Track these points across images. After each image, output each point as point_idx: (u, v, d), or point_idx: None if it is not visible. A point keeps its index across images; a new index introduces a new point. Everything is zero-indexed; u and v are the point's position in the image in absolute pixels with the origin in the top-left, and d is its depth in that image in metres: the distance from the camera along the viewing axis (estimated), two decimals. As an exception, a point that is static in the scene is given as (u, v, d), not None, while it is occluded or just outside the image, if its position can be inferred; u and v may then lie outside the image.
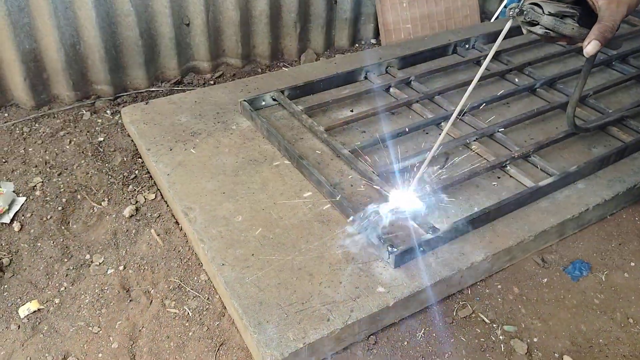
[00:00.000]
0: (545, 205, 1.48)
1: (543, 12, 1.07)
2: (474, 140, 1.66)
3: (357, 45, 2.63)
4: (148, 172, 1.71)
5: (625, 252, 1.48)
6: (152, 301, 1.34)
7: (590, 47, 1.09)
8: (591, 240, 1.51)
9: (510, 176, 1.57)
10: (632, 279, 1.41)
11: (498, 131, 1.70)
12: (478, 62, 2.11)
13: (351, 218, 1.35)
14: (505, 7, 2.77)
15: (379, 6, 2.49)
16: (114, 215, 1.56)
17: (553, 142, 1.66)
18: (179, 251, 1.46)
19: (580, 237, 1.52)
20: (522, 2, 1.09)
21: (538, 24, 1.09)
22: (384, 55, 2.16)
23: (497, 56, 2.14)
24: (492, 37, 2.26)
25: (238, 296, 1.22)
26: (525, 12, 1.08)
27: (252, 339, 1.15)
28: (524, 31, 1.13)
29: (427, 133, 1.74)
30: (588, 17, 1.10)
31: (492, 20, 2.77)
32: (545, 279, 1.40)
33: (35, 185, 1.65)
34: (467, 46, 2.22)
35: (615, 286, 1.39)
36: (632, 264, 1.45)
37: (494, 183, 1.54)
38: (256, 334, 1.14)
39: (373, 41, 2.65)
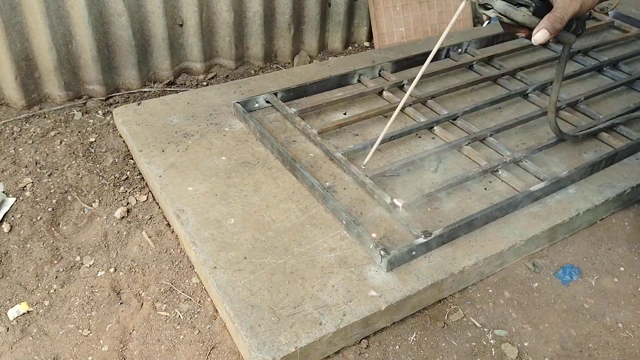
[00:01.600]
0: (537, 210, 1.49)
1: None
2: (466, 145, 1.67)
3: (350, 48, 2.63)
4: (140, 174, 1.70)
5: (615, 257, 1.50)
6: (142, 304, 1.33)
7: (538, 35, 1.11)
8: (581, 245, 1.53)
9: (502, 180, 1.58)
10: (621, 283, 1.43)
11: (490, 136, 1.71)
12: (471, 67, 2.12)
13: None
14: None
15: (372, 10, 2.50)
16: (104, 217, 1.55)
17: (544, 147, 1.68)
18: (170, 253, 1.45)
19: (571, 241, 1.53)
20: None
21: (492, 7, 1.11)
22: (377, 58, 2.17)
23: (489, 61, 2.15)
24: (484, 42, 2.27)
25: (230, 299, 1.21)
26: None
27: (244, 343, 1.15)
28: (483, 18, 1.17)
29: (419, 137, 1.74)
30: (547, 12, 1.13)
31: (484, 25, 2.78)
32: (536, 284, 1.41)
33: (25, 186, 1.63)
34: (459, 50, 2.23)
35: (604, 291, 1.41)
36: (622, 268, 1.46)
37: (485, 187, 1.55)
38: (248, 338, 1.14)
39: (366, 44, 2.65)
